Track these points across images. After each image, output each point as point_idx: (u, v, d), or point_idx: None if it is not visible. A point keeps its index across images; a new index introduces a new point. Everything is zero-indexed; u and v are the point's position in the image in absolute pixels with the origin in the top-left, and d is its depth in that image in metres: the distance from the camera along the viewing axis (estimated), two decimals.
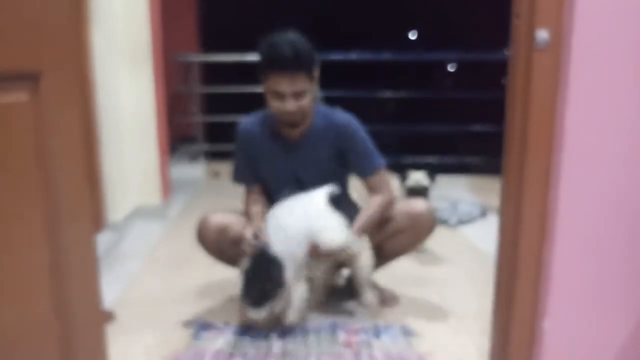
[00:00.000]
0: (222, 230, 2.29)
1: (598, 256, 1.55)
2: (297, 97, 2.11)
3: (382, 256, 2.44)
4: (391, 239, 2.36)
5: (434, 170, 3.12)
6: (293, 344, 2.13)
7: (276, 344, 2.12)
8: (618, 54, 1.43)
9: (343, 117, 2.28)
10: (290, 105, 2.11)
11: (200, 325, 2.25)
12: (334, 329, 2.21)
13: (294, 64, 2.06)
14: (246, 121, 2.37)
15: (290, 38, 2.11)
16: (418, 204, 2.36)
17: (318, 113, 2.29)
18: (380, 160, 2.29)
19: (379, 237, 2.35)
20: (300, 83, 2.10)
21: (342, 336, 2.16)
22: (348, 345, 2.11)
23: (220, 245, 2.31)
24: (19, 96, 1.09)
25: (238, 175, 2.40)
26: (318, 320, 2.29)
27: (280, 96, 2.11)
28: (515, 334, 1.66)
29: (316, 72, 2.17)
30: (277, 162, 2.29)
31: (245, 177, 2.38)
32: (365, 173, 2.29)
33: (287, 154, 2.28)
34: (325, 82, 5.60)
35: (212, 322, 2.28)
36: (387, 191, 2.30)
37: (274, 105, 2.15)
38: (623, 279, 1.56)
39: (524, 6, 1.49)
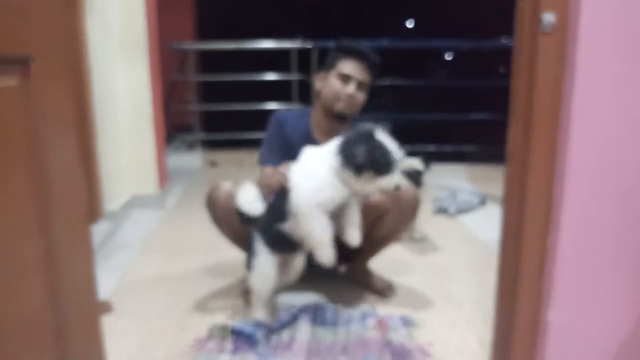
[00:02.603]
0: (234, 196, 2.26)
1: (604, 245, 1.52)
2: (359, 87, 2.30)
3: (373, 244, 2.45)
4: (378, 224, 2.36)
5: (429, 158, 3.10)
6: (322, 330, 2.14)
7: (304, 330, 2.13)
8: (625, 38, 1.39)
9: None
10: (351, 89, 2.28)
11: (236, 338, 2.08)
12: (364, 318, 2.22)
13: (369, 58, 2.29)
14: (283, 112, 2.48)
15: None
16: None
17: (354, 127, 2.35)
18: None
19: (365, 225, 2.31)
20: (366, 77, 2.30)
21: (372, 322, 2.18)
22: (379, 327, 2.14)
23: (229, 212, 2.25)
24: (8, 81, 1.06)
25: (264, 159, 2.38)
26: (349, 312, 2.30)
27: (346, 79, 2.28)
28: (518, 325, 1.64)
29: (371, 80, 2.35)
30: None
31: (271, 163, 2.33)
32: None
33: None
34: None
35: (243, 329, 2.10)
36: None
37: (336, 88, 2.29)
38: (629, 269, 1.54)
39: None
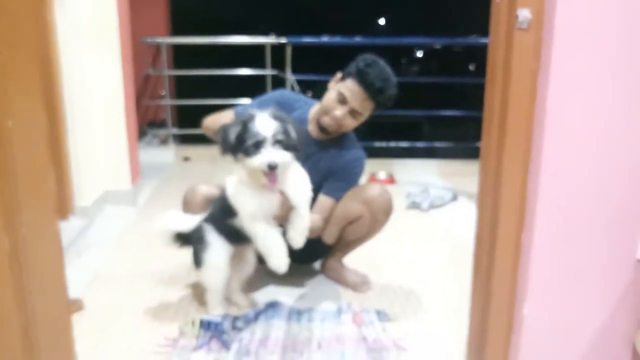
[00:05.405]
0: (210, 200, 2.25)
1: (577, 241, 1.53)
2: (351, 114, 2.22)
3: (346, 243, 2.49)
4: (351, 226, 2.38)
5: None
6: (298, 326, 2.12)
7: (279, 326, 2.12)
8: (601, 34, 1.40)
9: (356, 153, 2.39)
10: (341, 112, 2.21)
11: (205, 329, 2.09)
12: (339, 313, 2.22)
13: (375, 93, 2.17)
14: (291, 93, 2.48)
15: (393, 78, 2.22)
16: (371, 189, 2.36)
17: (347, 137, 2.38)
18: (340, 194, 2.34)
19: (339, 228, 2.38)
20: (364, 108, 2.22)
21: (347, 317, 2.17)
22: (355, 322, 2.14)
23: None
24: None
25: (239, 110, 2.36)
26: (324, 307, 2.28)
27: (343, 101, 2.20)
28: (493, 318, 1.64)
29: (373, 111, 2.27)
30: None
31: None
32: (323, 191, 2.32)
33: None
34: (298, 66, 5.60)
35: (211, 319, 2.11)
36: (321, 216, 2.29)
37: (329, 102, 2.23)
38: (601, 264, 1.55)
39: None
